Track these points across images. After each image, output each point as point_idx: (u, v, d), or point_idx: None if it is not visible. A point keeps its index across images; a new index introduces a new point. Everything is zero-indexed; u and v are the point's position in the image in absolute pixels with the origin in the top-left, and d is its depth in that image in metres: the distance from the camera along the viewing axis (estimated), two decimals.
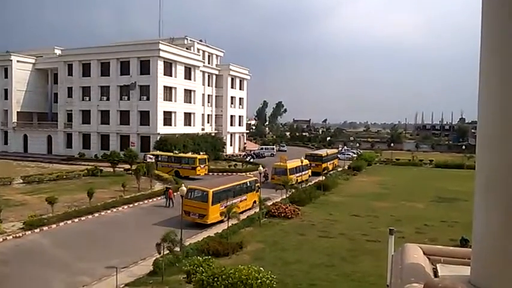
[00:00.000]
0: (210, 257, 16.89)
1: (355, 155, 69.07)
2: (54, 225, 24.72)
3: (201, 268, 14.90)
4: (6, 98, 67.08)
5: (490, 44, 1.81)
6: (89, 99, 60.49)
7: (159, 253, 17.76)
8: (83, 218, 26.60)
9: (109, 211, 28.67)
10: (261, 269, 14.18)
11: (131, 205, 30.71)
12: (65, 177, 41.42)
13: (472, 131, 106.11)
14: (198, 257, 16.15)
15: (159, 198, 33.36)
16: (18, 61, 66.66)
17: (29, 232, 23.29)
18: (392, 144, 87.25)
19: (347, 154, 67.59)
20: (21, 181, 38.76)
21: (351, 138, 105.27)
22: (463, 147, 75.76)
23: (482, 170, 1.81)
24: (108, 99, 59.07)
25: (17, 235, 22.72)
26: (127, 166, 44.78)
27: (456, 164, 58.98)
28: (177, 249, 18.47)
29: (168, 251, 17.93)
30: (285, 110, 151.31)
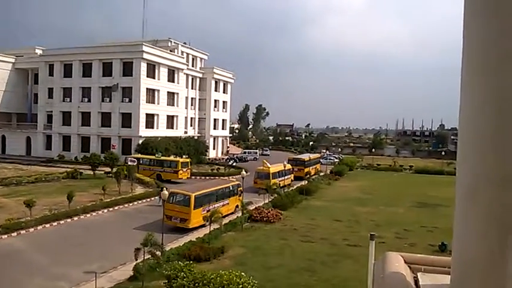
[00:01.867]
0: (191, 262, 16.78)
1: (337, 160, 69.65)
2: (32, 229, 24.23)
3: (182, 273, 14.80)
4: None
5: (471, 52, 1.84)
6: (70, 101, 59.59)
7: (136, 259, 17.44)
8: (61, 222, 26.13)
9: (89, 215, 28.24)
10: (243, 274, 14.18)
11: (111, 209, 30.31)
12: (44, 179, 40.64)
13: (452, 137, 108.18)
14: (179, 262, 16.04)
15: (145, 200, 33.53)
16: None
17: (6, 236, 22.77)
18: (373, 150, 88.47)
19: (329, 159, 68.18)
20: None
21: (333, 143, 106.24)
22: (443, 153, 77.23)
23: (463, 179, 1.84)
24: (89, 100, 58.31)
25: None
26: (108, 169, 44.17)
27: (436, 170, 59.98)
28: (158, 253, 18.30)
29: (148, 256, 17.74)
30: (267, 114, 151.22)
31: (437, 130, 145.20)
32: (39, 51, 65.78)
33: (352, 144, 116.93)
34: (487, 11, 1.66)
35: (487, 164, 1.74)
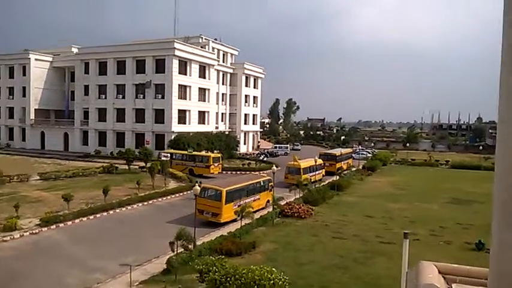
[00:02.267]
0: (223, 256, 16.94)
1: (370, 155, 68.52)
2: (69, 222, 25.08)
3: (214, 268, 14.96)
4: (24, 96, 68.32)
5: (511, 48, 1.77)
6: (105, 97, 61.13)
7: (173, 251, 17.88)
8: (98, 215, 26.94)
9: (124, 209, 28.99)
10: (274, 269, 14.18)
11: (146, 203, 30.99)
12: (81, 174, 41.95)
13: (490, 131, 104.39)
14: (211, 257, 16.22)
15: (178, 194, 34.15)
16: (36, 59, 67.82)
17: (45, 229, 23.67)
18: (408, 144, 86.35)
19: (362, 154, 67.07)
20: (38, 178, 39.37)
21: (366, 138, 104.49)
22: (480, 147, 74.59)
23: (499, 195, 1.78)
24: (123, 97, 59.63)
25: (34, 231, 23.13)
26: (142, 164, 45.21)
27: (473, 165, 58.01)
28: (191, 247, 18.60)
29: (181, 250, 18.06)
30: (298, 108, 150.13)
31: (474, 124, 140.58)
32: (75, 50, 67.72)
33: (385, 139, 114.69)
34: None
35: None
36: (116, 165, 45.13)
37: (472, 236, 22.58)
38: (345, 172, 48.12)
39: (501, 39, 2.07)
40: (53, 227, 24.11)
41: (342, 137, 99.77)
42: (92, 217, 26.56)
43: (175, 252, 17.90)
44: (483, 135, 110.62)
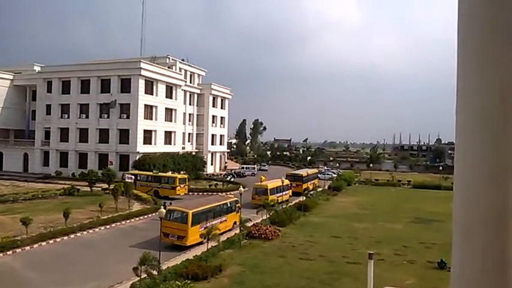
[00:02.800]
0: (188, 281, 16.61)
1: (335, 175, 69.54)
2: (28, 247, 23.95)
3: None
4: None
5: (465, 71, 1.85)
6: (68, 117, 59.64)
7: (138, 276, 17.34)
8: (58, 240, 25.90)
9: (85, 232, 28.01)
10: None
11: (108, 226, 30.08)
12: (40, 196, 40.42)
13: (449, 151, 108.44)
14: (177, 282, 15.87)
15: (142, 217, 33.40)
16: None
17: (1, 254, 22.49)
18: (371, 165, 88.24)
19: (327, 174, 68.02)
20: None
21: (331, 158, 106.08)
22: (440, 167, 77.22)
23: (458, 217, 1.84)
24: (87, 117, 58.38)
25: None
26: (105, 185, 44.02)
27: (433, 185, 59.86)
28: (155, 272, 18.12)
29: (145, 275, 17.56)
30: (265, 128, 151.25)
31: (434, 144, 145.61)
32: (37, 68, 66.00)
33: (349, 159, 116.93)
34: (483, 12, 1.68)
35: (482, 205, 1.75)
36: (78, 187, 43.73)
37: (435, 254, 23.13)
38: (311, 192, 48.51)
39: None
40: (10, 252, 22.95)
41: (308, 158, 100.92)
42: (51, 241, 25.47)
43: (139, 278, 17.39)
44: (443, 156, 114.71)
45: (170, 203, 36.04)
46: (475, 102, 1.71)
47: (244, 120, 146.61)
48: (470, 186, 1.72)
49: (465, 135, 1.73)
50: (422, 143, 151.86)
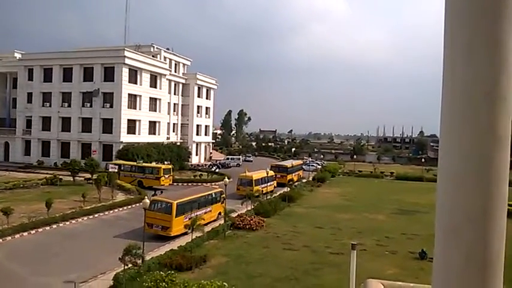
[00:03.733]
0: (172, 271, 16.56)
1: (320, 167, 69.99)
2: (9, 238, 23.63)
3: (163, 283, 14.60)
4: None
5: (451, 65, 1.86)
6: (50, 106, 58.56)
7: (126, 265, 17.17)
8: (40, 230, 25.55)
9: (68, 222, 27.68)
10: (225, 284, 14.08)
11: (91, 216, 29.79)
12: (22, 186, 39.73)
13: (431, 144, 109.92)
14: (161, 272, 15.81)
15: (126, 207, 33.08)
16: None
17: None
18: (355, 156, 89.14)
19: (312, 165, 68.36)
20: None
21: (316, 150, 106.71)
22: (423, 159, 78.28)
23: (442, 215, 1.85)
24: (69, 105, 57.45)
25: None
26: (88, 175, 43.46)
27: (416, 177, 60.75)
28: (139, 262, 18.03)
29: (129, 265, 17.46)
30: (249, 119, 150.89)
31: (417, 137, 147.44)
32: (18, 55, 64.44)
33: (334, 151, 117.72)
34: (469, 12, 1.68)
35: (466, 200, 1.76)
36: (60, 176, 43.09)
37: (416, 245, 23.52)
38: (296, 183, 48.79)
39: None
40: None
41: (293, 149, 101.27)
42: (33, 232, 25.15)
43: (123, 268, 17.28)
44: (425, 148, 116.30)
45: (161, 192, 36.03)
46: (461, 102, 1.71)
47: (230, 111, 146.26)
48: (455, 186, 1.72)
49: (450, 134, 1.73)
50: (406, 136, 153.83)
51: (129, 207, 33.51)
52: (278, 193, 41.16)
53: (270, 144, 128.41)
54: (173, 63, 71.95)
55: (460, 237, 1.75)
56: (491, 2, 1.65)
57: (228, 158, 78.08)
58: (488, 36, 1.65)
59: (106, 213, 31.22)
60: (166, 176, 43.99)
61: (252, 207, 32.42)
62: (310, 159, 79.99)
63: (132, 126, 57.35)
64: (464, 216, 1.71)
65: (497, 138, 1.67)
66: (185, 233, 24.59)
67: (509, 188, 2.02)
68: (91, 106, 56.03)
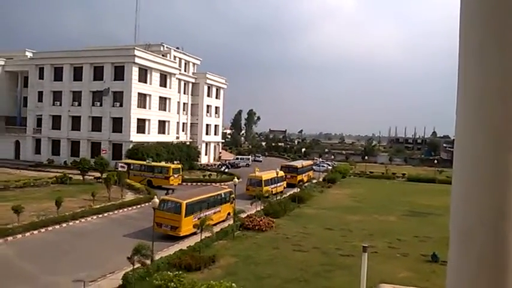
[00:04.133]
0: (181, 271, 16.41)
1: (330, 167, 69.54)
2: (19, 235, 23.66)
3: (172, 283, 14.45)
4: None
5: (466, 70, 1.75)
6: (60, 104, 58.88)
7: (134, 263, 17.03)
8: (50, 228, 25.57)
9: (77, 221, 27.70)
10: (233, 284, 13.89)
11: (101, 215, 29.78)
12: (32, 184, 39.97)
13: (444, 145, 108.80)
14: (169, 272, 15.67)
15: (135, 207, 33.10)
16: None
17: None
18: (366, 157, 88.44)
19: (322, 166, 67.95)
20: None
21: (326, 150, 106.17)
22: (435, 161, 77.41)
23: (456, 220, 1.74)
24: (79, 104, 57.71)
25: None
26: (97, 174, 43.59)
27: (428, 178, 60.01)
28: (148, 262, 17.90)
29: (138, 265, 17.33)
30: (258, 118, 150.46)
31: (429, 138, 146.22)
32: (29, 54, 65.01)
33: (344, 151, 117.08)
34: (484, 10, 1.58)
35: (481, 203, 1.65)
36: (70, 175, 43.24)
37: (428, 248, 23.10)
38: (306, 184, 48.49)
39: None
40: (1, 241, 22.62)
41: (303, 149, 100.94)
42: (43, 230, 25.17)
43: (132, 267, 17.16)
44: (438, 149, 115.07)
45: (173, 191, 36.12)
46: (476, 103, 1.62)
47: (241, 110, 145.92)
48: (469, 188, 1.64)
49: (465, 136, 1.65)
50: (418, 136, 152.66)
51: (139, 206, 33.48)
52: (288, 194, 40.86)
53: (280, 144, 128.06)
54: (183, 62, 72.02)
55: (474, 241, 1.67)
56: (505, 8, 1.53)
57: (237, 158, 77.94)
58: (503, 43, 1.54)
59: (115, 212, 31.22)
60: (176, 175, 43.94)
61: (262, 207, 32.20)
62: (321, 160, 79.48)
63: (141, 125, 57.46)
64: (479, 219, 1.64)
65: None
66: (194, 233, 24.40)
67: None
68: (101, 105, 56.23)
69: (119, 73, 55.63)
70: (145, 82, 57.89)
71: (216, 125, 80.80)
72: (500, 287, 1.59)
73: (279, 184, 43.49)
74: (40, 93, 60.83)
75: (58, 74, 59.22)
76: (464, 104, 1.64)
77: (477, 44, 1.59)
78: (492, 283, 1.59)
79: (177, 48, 70.80)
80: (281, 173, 45.06)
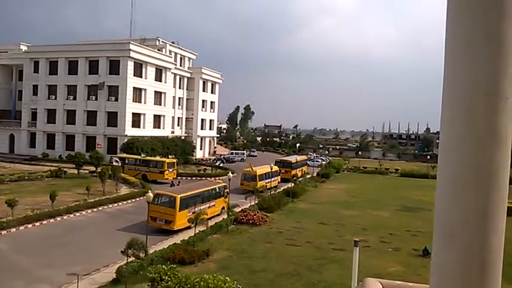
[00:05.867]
0: (175, 265, 16.61)
1: (324, 162, 69.81)
2: (13, 229, 23.74)
3: (166, 277, 14.65)
4: None
5: (452, 66, 1.83)
6: (55, 98, 58.71)
7: (128, 257, 17.23)
8: (44, 222, 25.67)
9: (72, 215, 27.80)
10: (227, 278, 14.08)
11: (95, 209, 29.89)
12: (26, 178, 39.96)
13: (437, 141, 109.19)
14: (163, 266, 15.86)
15: (130, 201, 33.24)
16: None
17: None
18: (360, 152, 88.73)
19: (316, 161, 68.22)
20: None
21: (321, 145, 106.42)
22: (428, 156, 77.82)
23: (441, 216, 1.83)
24: (75, 98, 57.54)
25: None
26: (92, 168, 43.57)
27: (421, 174, 60.48)
28: (142, 255, 18.09)
29: (132, 259, 17.52)
30: (253, 113, 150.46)
31: (423, 134, 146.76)
32: (24, 48, 64.62)
33: (339, 147, 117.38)
34: (470, 8, 1.64)
35: (465, 201, 1.74)
36: (65, 169, 43.22)
37: (420, 242, 23.42)
38: (300, 179, 48.72)
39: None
40: None
41: (298, 144, 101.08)
42: (37, 224, 25.28)
43: (126, 261, 17.35)
44: (431, 145, 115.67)
45: (179, 183, 36.43)
46: (460, 94, 1.68)
47: (238, 106, 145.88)
48: (454, 186, 1.69)
49: (450, 129, 1.70)
50: (411, 132, 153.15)
51: (133, 200, 33.62)
52: (282, 188, 41.11)
53: (275, 139, 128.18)
54: (178, 57, 71.83)
55: (457, 238, 1.73)
56: (489, 9, 1.63)
57: (232, 153, 78.07)
58: (486, 40, 1.63)
59: (110, 206, 31.34)
60: (171, 170, 44.06)
61: (256, 202, 32.42)
62: (315, 155, 79.77)
63: (136, 119, 57.42)
64: (463, 216, 1.69)
65: (497, 138, 1.64)
66: (188, 227, 24.59)
67: (510, 187, 1.98)
68: (96, 99, 56.12)
69: (114, 67, 55.50)
70: (141, 76, 57.80)
71: (211, 120, 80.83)
72: (481, 284, 1.70)
73: (273, 179, 43.71)
74: (35, 87, 60.58)
75: (53, 68, 58.97)
76: (449, 101, 1.73)
77: (463, 40, 1.68)
78: (474, 280, 1.70)
79: (173, 42, 70.57)
80: (275, 168, 45.27)
